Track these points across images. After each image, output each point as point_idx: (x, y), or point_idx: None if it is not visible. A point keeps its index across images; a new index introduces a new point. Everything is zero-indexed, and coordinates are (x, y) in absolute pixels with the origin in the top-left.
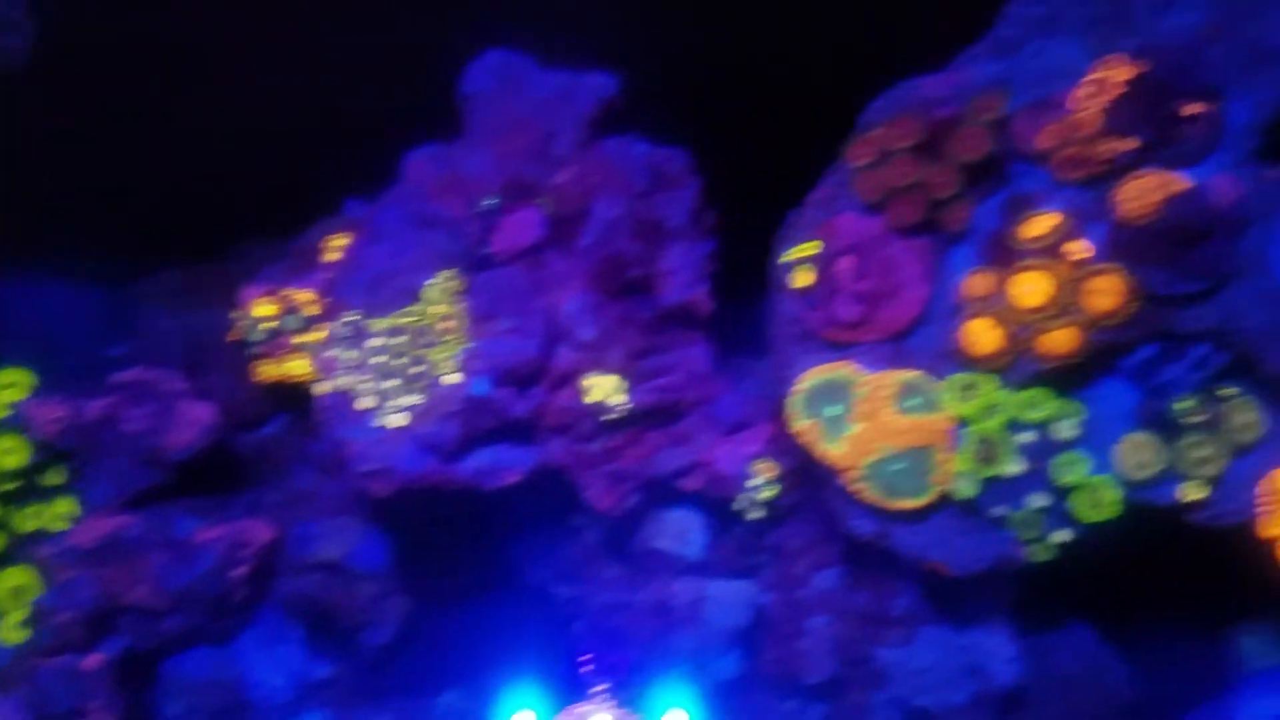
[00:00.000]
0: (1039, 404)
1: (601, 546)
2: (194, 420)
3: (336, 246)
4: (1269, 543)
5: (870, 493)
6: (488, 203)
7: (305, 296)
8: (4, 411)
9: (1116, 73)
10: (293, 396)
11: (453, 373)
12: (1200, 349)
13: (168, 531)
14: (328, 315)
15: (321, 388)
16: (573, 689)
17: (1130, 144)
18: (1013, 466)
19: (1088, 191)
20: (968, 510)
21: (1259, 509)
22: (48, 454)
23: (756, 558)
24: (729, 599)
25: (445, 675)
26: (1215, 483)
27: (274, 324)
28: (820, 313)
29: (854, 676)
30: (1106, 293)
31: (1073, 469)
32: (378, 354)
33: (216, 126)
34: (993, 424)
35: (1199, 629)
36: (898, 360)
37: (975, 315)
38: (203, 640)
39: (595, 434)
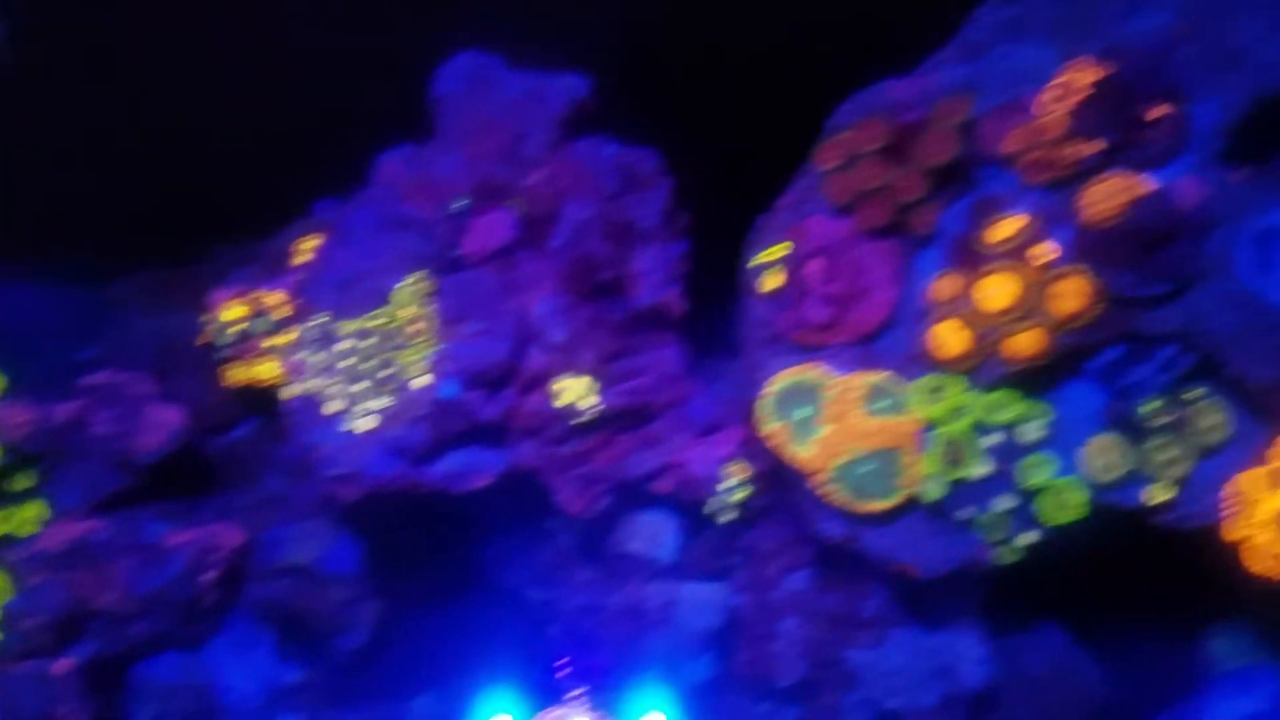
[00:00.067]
0: (1006, 406)
1: (575, 549)
2: (163, 423)
3: (307, 249)
4: (1235, 545)
5: (839, 495)
6: (458, 204)
7: (275, 299)
8: None
9: (1082, 76)
10: (263, 399)
11: (422, 375)
12: (1166, 351)
13: (137, 536)
14: (297, 318)
15: (290, 391)
16: (549, 692)
17: (1096, 147)
18: (979, 468)
19: (1054, 194)
20: (936, 512)
21: (1225, 511)
22: (16, 458)
23: (729, 560)
24: (701, 601)
25: (418, 680)
26: (1181, 484)
27: (243, 327)
28: (790, 315)
29: (826, 678)
30: (1072, 295)
31: (1039, 471)
32: (346, 357)
33: (188, 129)
34: (960, 426)
35: (1169, 630)
36: (867, 362)
37: (943, 318)
38: (173, 645)
39: (566, 437)
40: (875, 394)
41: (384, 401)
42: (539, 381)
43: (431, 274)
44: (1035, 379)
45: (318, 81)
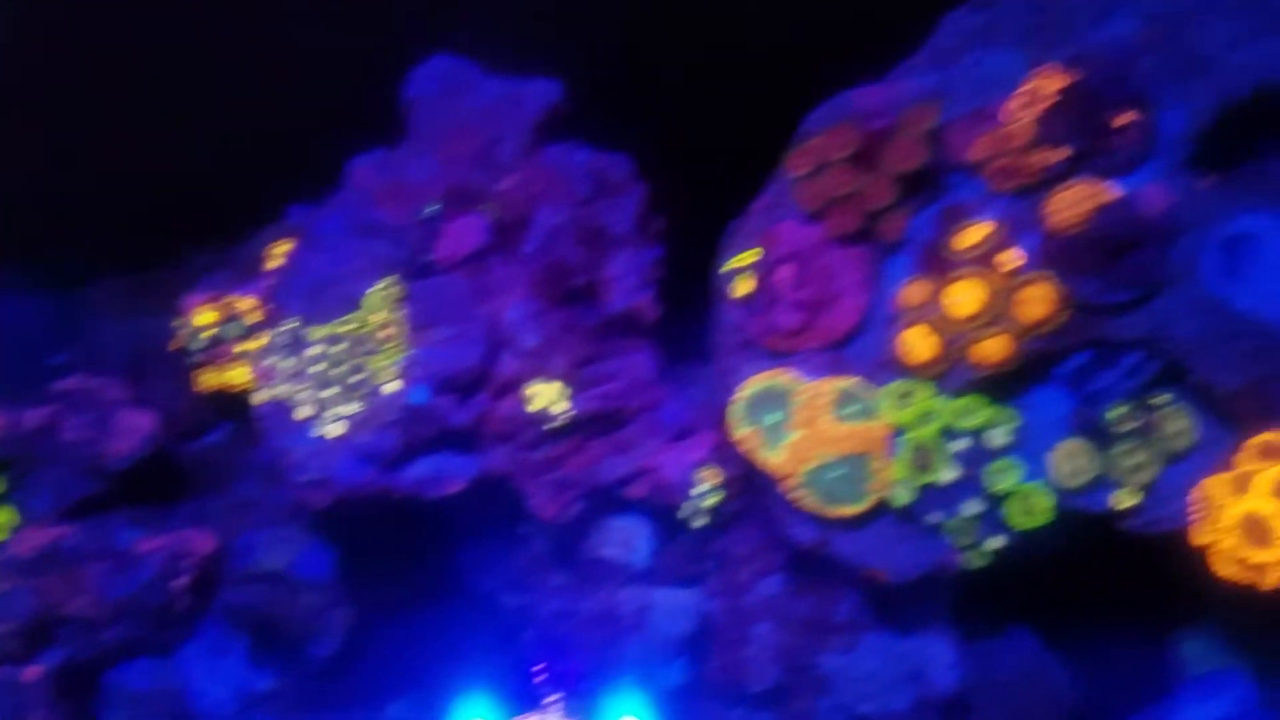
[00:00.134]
0: (973, 411)
1: (549, 555)
2: (134, 429)
3: (279, 253)
4: (1202, 550)
5: (809, 500)
6: (430, 209)
7: (247, 304)
8: None
9: (1049, 83)
10: (235, 405)
11: (392, 381)
12: (1132, 357)
13: (108, 541)
14: (268, 323)
15: (259, 397)
16: (524, 698)
17: (1062, 154)
18: (947, 474)
19: (1021, 201)
20: (905, 517)
21: (1192, 516)
22: None
23: (702, 565)
24: (674, 607)
25: (392, 686)
26: (1148, 490)
27: (215, 332)
28: (761, 320)
29: (798, 683)
30: (1038, 301)
31: (1005, 476)
32: (316, 362)
33: (160, 133)
34: (928, 431)
35: (1140, 634)
36: (837, 368)
37: (911, 324)
38: (145, 651)
39: (539, 442)
40: (844, 399)
41: (354, 407)
42: (511, 387)
43: (403, 279)
44: (1003, 384)
45: (291, 85)
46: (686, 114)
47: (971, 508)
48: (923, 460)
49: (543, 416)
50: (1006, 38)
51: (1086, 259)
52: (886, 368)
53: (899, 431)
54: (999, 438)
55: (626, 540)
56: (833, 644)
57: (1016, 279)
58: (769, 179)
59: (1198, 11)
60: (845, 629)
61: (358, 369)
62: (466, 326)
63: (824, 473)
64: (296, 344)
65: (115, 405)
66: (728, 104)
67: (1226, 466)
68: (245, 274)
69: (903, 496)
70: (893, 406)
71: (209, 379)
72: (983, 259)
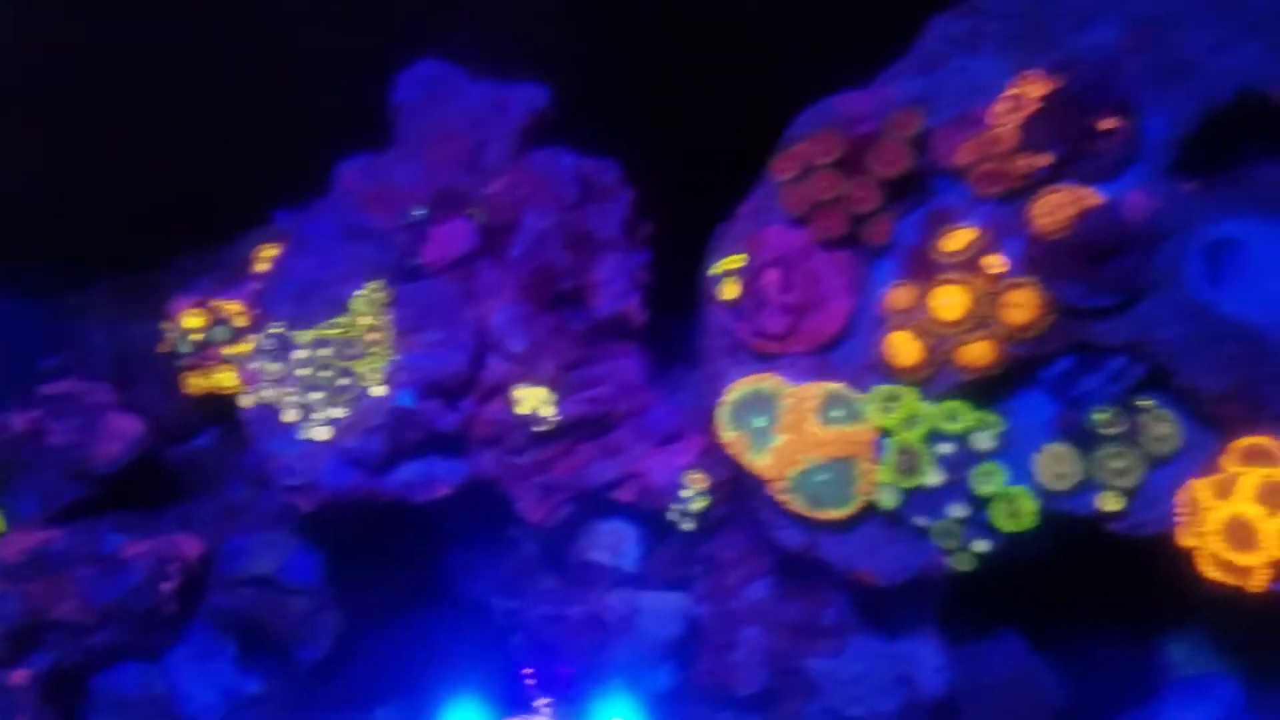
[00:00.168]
0: (958, 415)
1: (538, 558)
2: (120, 433)
3: (266, 257)
4: (1188, 553)
5: (796, 503)
6: (417, 213)
7: (234, 308)
8: None
9: (1033, 88)
10: (223, 408)
11: (379, 385)
12: (1116, 361)
13: (95, 546)
14: (256, 327)
15: (246, 400)
16: (513, 702)
17: (1045, 159)
18: (933, 477)
19: (1005, 206)
20: (893, 520)
21: (1177, 519)
22: None
23: (690, 569)
24: (662, 610)
25: (381, 690)
26: (1133, 493)
27: (202, 335)
28: (748, 324)
29: (786, 687)
30: (1022, 306)
31: (991, 479)
32: (302, 366)
33: (148, 137)
34: (914, 435)
35: (1127, 637)
36: (823, 372)
37: (897, 328)
38: (133, 656)
39: (526, 446)
40: (831, 403)
41: (340, 411)
42: (498, 391)
43: (389, 283)
44: (988, 388)
45: (278, 89)
46: (674, 118)
47: (957, 511)
48: (909, 464)
49: (530, 420)
50: (991, 43)
51: (1071, 264)
52: (872, 371)
53: (885, 435)
54: (984, 441)
55: (614, 544)
56: (821, 647)
57: (1001, 283)
58: (756, 183)
59: (1180, 17)
60: (833, 632)
61: (344, 373)
62: (453, 330)
63: (810, 476)
64: (283, 348)
65: (103, 409)
66: (716, 108)
67: (1211, 470)
68: (233, 277)
69: (889, 500)
70: (879, 410)
71: (197, 383)
72: (968, 264)
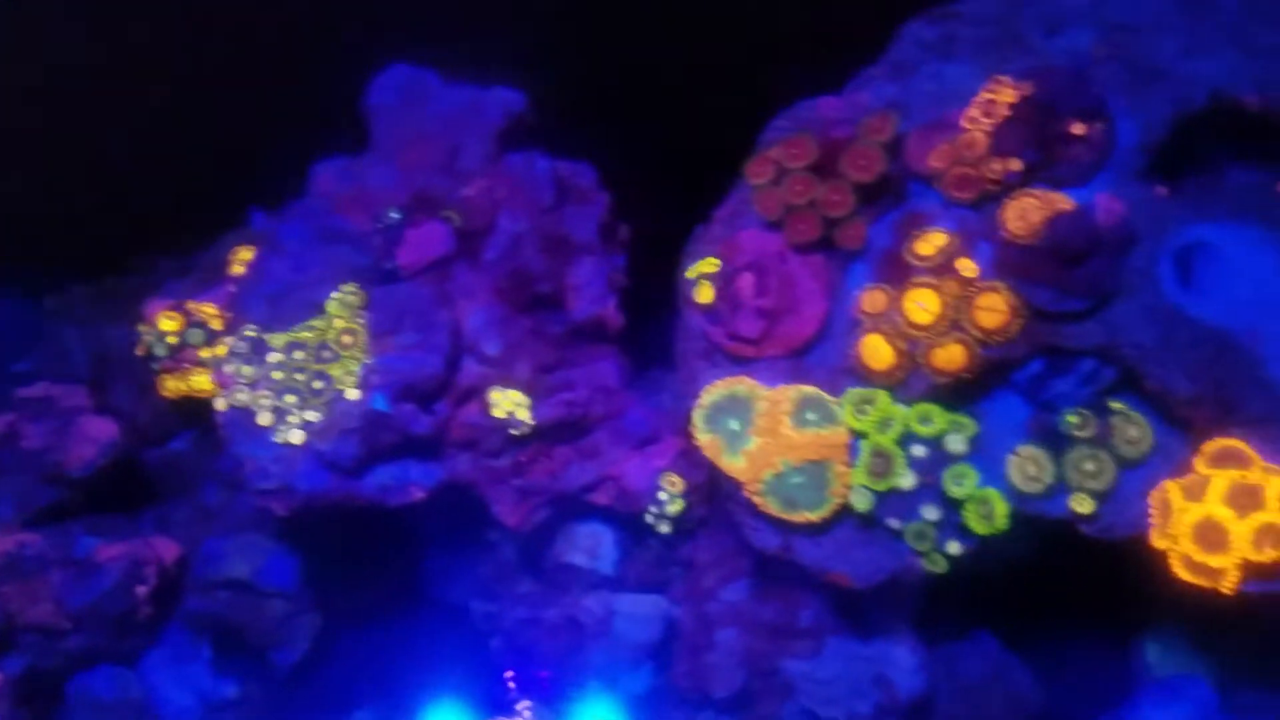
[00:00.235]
0: (931, 418)
1: (515, 561)
2: (95, 437)
3: (242, 260)
4: (1161, 554)
5: (771, 506)
6: (391, 216)
7: (210, 310)
8: None
9: (1004, 94)
10: (201, 411)
11: (353, 388)
12: (1087, 364)
13: (69, 549)
14: (230, 329)
15: (220, 403)
16: (493, 705)
17: (1016, 164)
18: (907, 479)
19: (978, 211)
20: (866, 523)
21: (1150, 521)
22: None
23: (668, 571)
24: (640, 613)
25: (358, 693)
26: (1105, 496)
27: (177, 338)
28: (723, 328)
29: (763, 688)
30: (993, 310)
31: (963, 482)
32: (277, 369)
33: (126, 139)
34: (887, 438)
35: (1104, 638)
36: (798, 375)
37: (870, 331)
38: (108, 659)
39: (502, 449)
40: (804, 406)
41: (313, 415)
42: (473, 394)
43: (364, 286)
44: (961, 391)
45: (254, 92)
46: (652, 122)
47: (930, 513)
48: (882, 466)
49: (506, 424)
50: (965, 49)
51: (1041, 268)
52: (847, 375)
53: (859, 438)
54: (957, 444)
55: (592, 547)
56: (797, 649)
57: (972, 287)
58: (733, 187)
59: (1152, 23)
60: (809, 633)
61: (319, 376)
62: (428, 334)
63: (785, 479)
64: (257, 350)
65: (78, 412)
66: (694, 112)
67: (1183, 472)
68: (209, 280)
69: (863, 502)
70: (853, 413)
71: (173, 386)
72: (940, 267)
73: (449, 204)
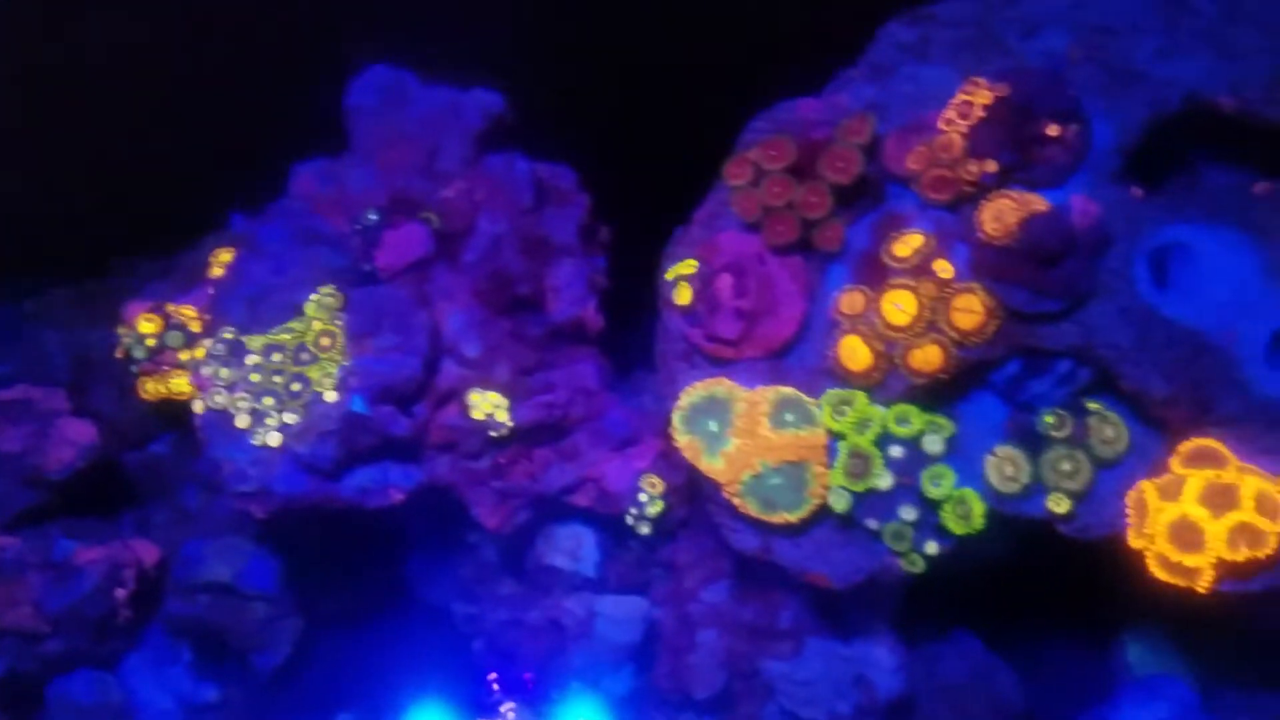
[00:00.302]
0: (909, 419)
1: (497, 563)
2: (73, 439)
3: (222, 262)
4: (1138, 554)
5: (749, 507)
6: (369, 217)
7: (189, 312)
8: None
9: (980, 95)
10: (180, 414)
11: (331, 390)
12: (1064, 365)
13: (47, 553)
14: (209, 331)
15: (198, 406)
16: (476, 707)
17: (992, 166)
18: (884, 480)
19: (954, 212)
20: (845, 523)
21: (1127, 521)
22: None
23: (649, 572)
24: (621, 615)
25: (341, 696)
26: (1082, 496)
27: (156, 341)
28: (702, 329)
29: (744, 689)
30: (969, 311)
31: (940, 482)
32: (254, 371)
33: (106, 141)
34: (865, 439)
35: (1085, 637)
36: (777, 376)
37: (848, 332)
38: (88, 662)
39: (482, 451)
40: (783, 407)
41: (291, 417)
42: (452, 396)
43: (343, 288)
44: (939, 392)
45: (234, 93)
46: (635, 124)
47: (908, 513)
48: (860, 467)
49: (485, 425)
50: (941, 51)
51: (1017, 269)
52: (825, 376)
53: (837, 439)
54: (934, 445)
55: (573, 549)
56: (777, 650)
57: (949, 289)
58: (712, 188)
59: (1128, 25)
60: (790, 634)
61: (297, 378)
62: (407, 335)
63: (763, 480)
64: (235, 353)
65: (56, 415)
66: (678, 113)
67: (1159, 471)
68: (189, 282)
69: (841, 503)
70: (830, 414)
71: (152, 388)
72: (917, 269)
73: (428, 205)
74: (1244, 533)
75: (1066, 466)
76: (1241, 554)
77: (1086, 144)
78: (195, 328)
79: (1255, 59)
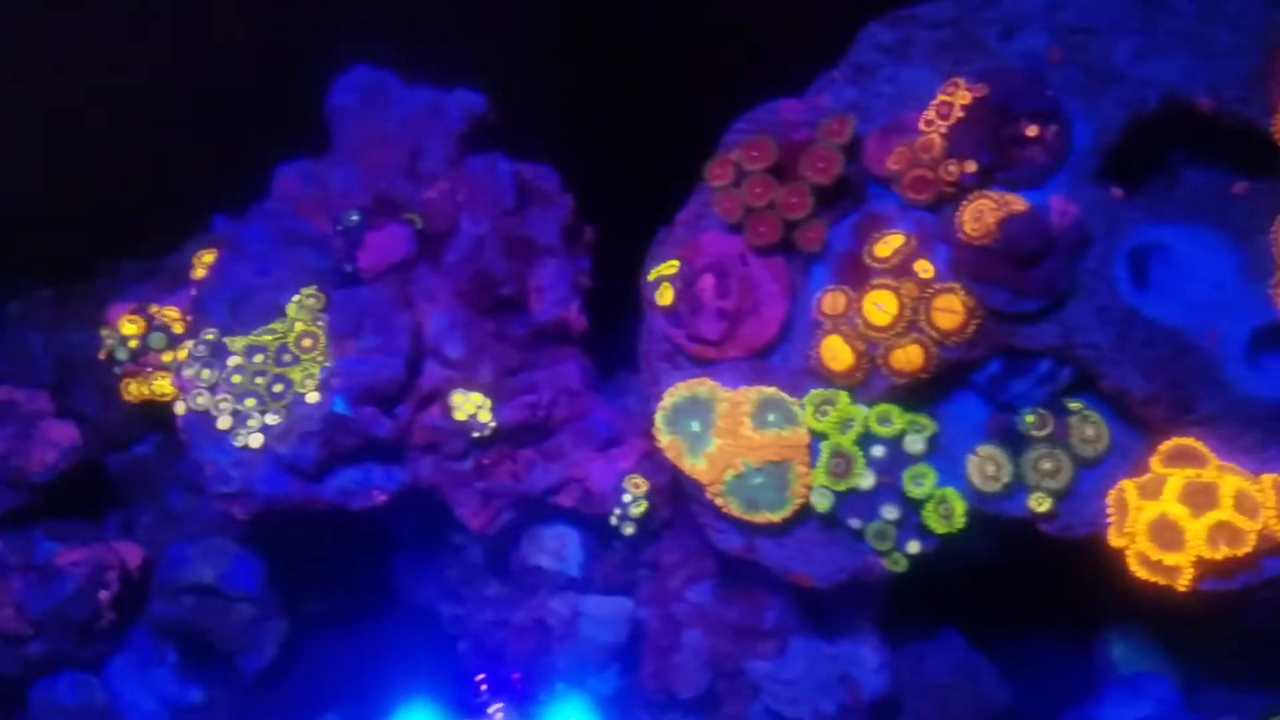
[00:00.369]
0: (891, 419)
1: (482, 564)
2: (56, 441)
3: (205, 263)
4: (1119, 553)
5: (732, 507)
6: (351, 218)
7: (172, 314)
8: None
9: (959, 96)
10: (163, 415)
11: (313, 391)
12: (1044, 364)
13: (29, 555)
14: (192, 333)
15: (179, 407)
16: (464, 708)
17: (971, 166)
18: (866, 480)
19: (935, 213)
20: (828, 523)
21: (1107, 519)
22: None
23: (634, 572)
24: (606, 615)
25: (327, 697)
26: (1063, 495)
27: (138, 342)
28: (685, 330)
29: (729, 689)
30: (949, 311)
31: (922, 481)
32: (236, 372)
33: (88, 142)
34: (847, 439)
35: (1069, 636)
36: (759, 377)
37: (830, 332)
38: (72, 664)
39: (465, 452)
40: (765, 407)
41: (273, 418)
42: (435, 397)
43: (325, 288)
44: (920, 392)
45: (217, 94)
46: (621, 124)
47: (890, 513)
48: (842, 467)
49: (468, 426)
50: (921, 51)
51: (996, 269)
52: (807, 376)
53: (819, 439)
54: (916, 444)
55: (558, 549)
56: (762, 649)
57: (930, 289)
58: (695, 189)
59: (1107, 25)
60: (774, 634)
61: (279, 379)
62: (389, 336)
63: (746, 480)
64: (216, 354)
65: (39, 417)
66: (665, 114)
67: (1140, 470)
68: (172, 283)
69: (823, 502)
70: (813, 414)
71: (135, 389)
72: (898, 269)
73: (411, 206)
74: (1223, 531)
75: (1048, 466)
76: (1221, 552)
77: (1066, 144)
78: (178, 329)
79: (1233, 58)
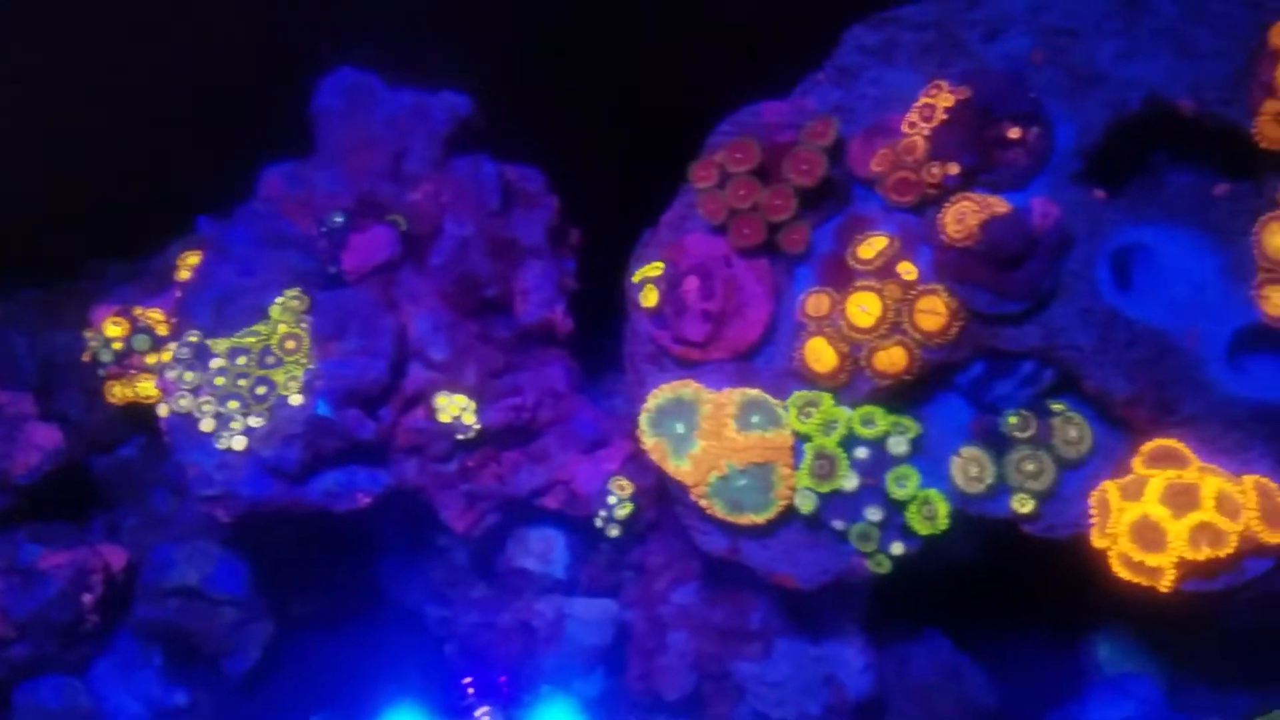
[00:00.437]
0: (874, 420)
1: (468, 566)
2: (40, 443)
3: (189, 265)
4: (1101, 553)
5: (716, 509)
6: (334, 220)
7: (156, 316)
8: None
9: (942, 98)
10: (148, 417)
11: (296, 394)
12: (1027, 366)
13: (12, 557)
14: (176, 335)
15: (162, 410)
16: (451, 710)
17: (954, 168)
18: (850, 481)
19: (918, 214)
20: (812, 524)
21: (1090, 521)
22: None
23: (619, 574)
24: (592, 617)
25: (312, 700)
26: (1046, 496)
27: (123, 344)
28: (669, 331)
29: (714, 691)
30: (932, 313)
31: (905, 483)
32: (219, 375)
33: (74, 144)
34: (830, 440)
35: (1055, 636)
36: (744, 378)
37: (813, 334)
38: (55, 668)
39: (449, 454)
40: (749, 409)
41: (256, 420)
42: (419, 399)
43: (309, 290)
44: (904, 394)
45: (204, 96)
46: (608, 126)
47: (873, 514)
48: (826, 468)
49: (453, 428)
50: (905, 54)
51: (979, 271)
52: (791, 378)
53: (803, 440)
54: (899, 446)
55: (544, 551)
56: (747, 651)
57: (913, 290)
58: (680, 190)
59: (1090, 27)
60: (759, 636)
61: (262, 381)
62: (373, 338)
63: (730, 482)
64: (200, 356)
65: (23, 419)
66: (650, 116)
67: (1122, 471)
68: (157, 285)
69: (807, 504)
70: (796, 416)
71: (120, 392)
72: (882, 271)
73: (395, 208)
74: (1205, 532)
75: (1031, 467)
76: (1203, 553)
77: (1048, 146)
78: (162, 331)
79: (1215, 60)
